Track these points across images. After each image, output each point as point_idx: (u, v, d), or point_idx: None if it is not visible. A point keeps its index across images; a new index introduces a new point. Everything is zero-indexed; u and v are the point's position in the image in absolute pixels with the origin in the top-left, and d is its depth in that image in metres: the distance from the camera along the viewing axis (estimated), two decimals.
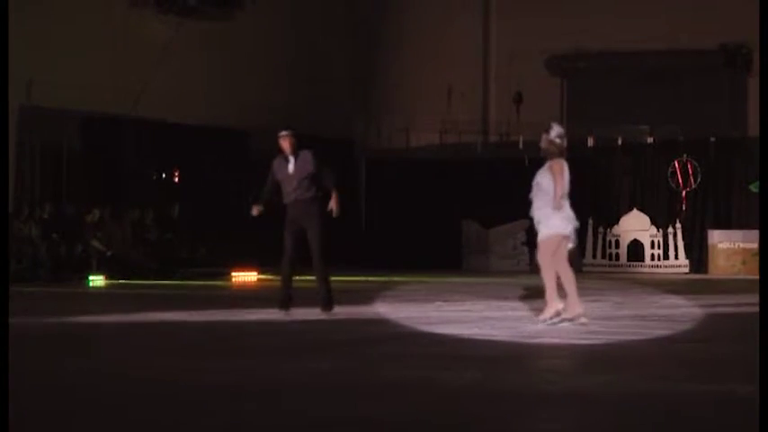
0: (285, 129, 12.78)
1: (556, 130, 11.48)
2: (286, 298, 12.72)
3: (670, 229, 25.22)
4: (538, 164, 11.67)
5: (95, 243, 21.45)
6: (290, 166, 12.72)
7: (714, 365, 8.49)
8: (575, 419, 6.30)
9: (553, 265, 11.18)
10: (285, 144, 12.73)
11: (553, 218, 11.17)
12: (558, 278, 11.24)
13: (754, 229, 22.26)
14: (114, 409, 6.48)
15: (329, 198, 12.64)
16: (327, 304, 12.76)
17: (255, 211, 12.79)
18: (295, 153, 12.70)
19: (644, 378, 7.68)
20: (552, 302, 11.22)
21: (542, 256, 11.27)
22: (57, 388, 7.32)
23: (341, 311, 13.14)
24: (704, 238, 24.77)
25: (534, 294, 11.74)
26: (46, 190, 23.21)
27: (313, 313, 12.88)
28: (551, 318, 11.15)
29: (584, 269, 24.71)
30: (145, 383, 7.48)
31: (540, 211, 11.25)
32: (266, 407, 6.56)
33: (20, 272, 19.73)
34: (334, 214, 12.58)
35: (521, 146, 26.17)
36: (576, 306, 11.21)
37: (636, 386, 7.31)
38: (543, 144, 11.43)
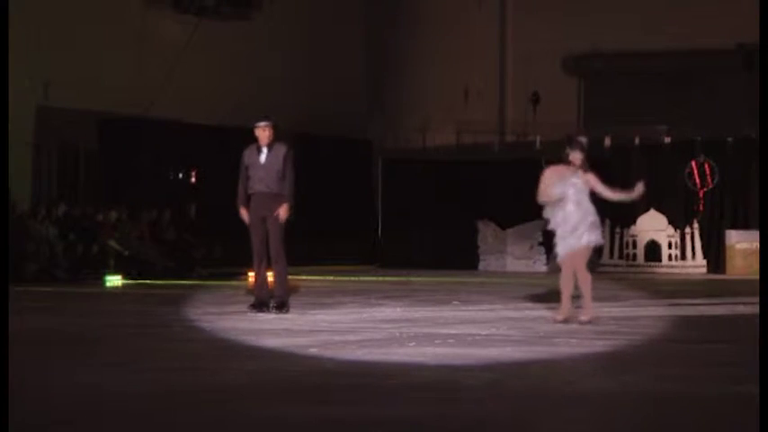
0: (264, 119, 12.76)
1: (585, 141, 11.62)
2: (264, 300, 12.69)
3: (687, 230, 25.14)
4: (554, 164, 11.67)
5: (112, 243, 21.49)
6: (263, 156, 12.69)
7: (733, 366, 8.47)
8: (593, 420, 6.29)
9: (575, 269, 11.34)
10: (263, 134, 12.70)
11: (598, 227, 11.39)
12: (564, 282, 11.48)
13: None
14: (115, 413, 6.49)
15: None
16: (281, 305, 12.66)
17: (245, 216, 12.77)
18: (269, 145, 12.69)
19: (661, 379, 7.66)
20: (590, 307, 11.39)
21: (584, 263, 11.40)
22: (54, 388, 7.35)
23: (357, 312, 13.14)
24: (722, 239, 24.67)
25: (551, 295, 11.72)
26: (63, 190, 23.28)
27: (324, 313, 12.90)
28: (588, 321, 11.24)
29: (601, 269, 24.64)
30: (143, 383, 7.50)
31: (588, 218, 11.33)
32: (276, 407, 6.56)
33: (37, 272, 19.80)
34: (281, 219, 12.54)
35: (537, 146, 26.13)
36: (589, 310, 11.45)
37: (653, 387, 7.28)
38: (579, 160, 11.45)
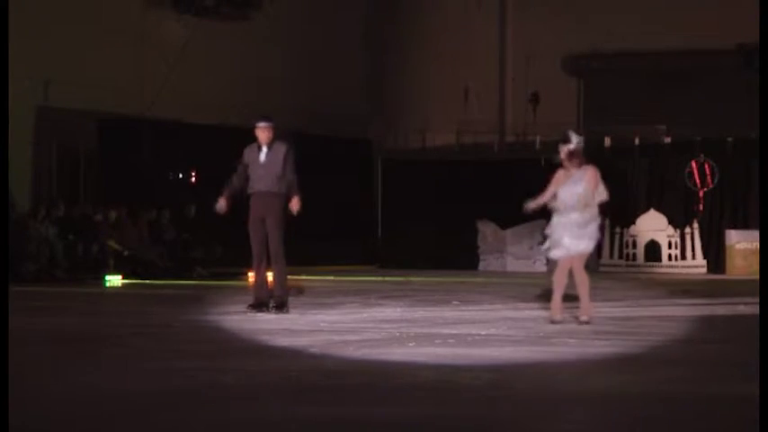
0: (264, 120, 12.79)
1: (577, 137, 11.47)
2: (263, 300, 12.70)
3: (687, 230, 25.13)
4: (554, 164, 11.64)
5: (112, 243, 21.48)
6: (262, 156, 12.71)
7: (733, 366, 8.46)
8: (593, 420, 6.28)
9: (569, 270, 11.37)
10: (262, 135, 12.74)
11: (596, 229, 11.40)
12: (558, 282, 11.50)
13: None
14: (110, 414, 6.49)
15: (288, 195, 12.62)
16: (281, 305, 12.67)
17: (222, 205, 12.80)
18: (269, 144, 12.70)
19: (661, 379, 7.66)
20: (588, 307, 11.41)
21: (583, 265, 11.39)
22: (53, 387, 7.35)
23: (357, 312, 13.13)
24: (722, 239, 24.67)
25: (551, 295, 11.70)
26: (63, 190, 23.26)
27: (324, 313, 12.89)
28: (587, 321, 11.25)
29: (601, 269, 24.61)
30: (143, 383, 7.49)
31: (591, 222, 11.30)
32: (276, 407, 6.55)
33: (37, 272, 19.79)
34: (294, 213, 12.56)
35: (537, 146, 26.12)
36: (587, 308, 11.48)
37: (653, 387, 7.28)
38: (568, 156, 11.33)
